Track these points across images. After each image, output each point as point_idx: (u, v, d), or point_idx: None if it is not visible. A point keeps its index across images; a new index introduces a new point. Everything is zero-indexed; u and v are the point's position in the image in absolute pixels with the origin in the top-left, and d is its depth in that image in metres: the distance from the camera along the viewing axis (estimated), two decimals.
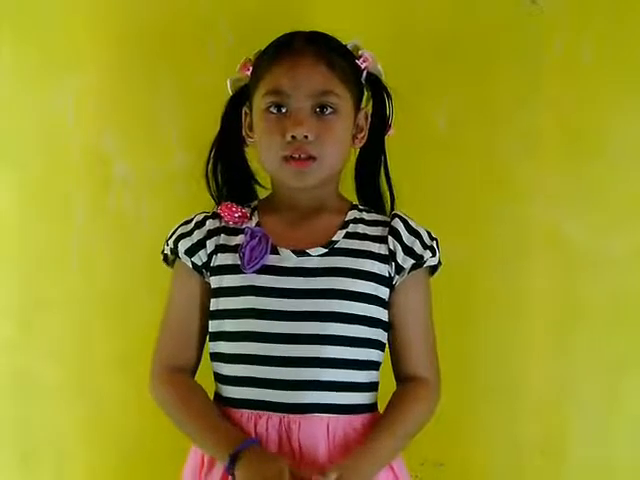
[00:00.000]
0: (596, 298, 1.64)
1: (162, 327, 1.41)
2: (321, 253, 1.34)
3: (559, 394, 1.67)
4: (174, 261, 1.42)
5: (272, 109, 1.33)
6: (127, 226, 1.72)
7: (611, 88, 1.62)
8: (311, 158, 1.32)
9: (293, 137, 1.30)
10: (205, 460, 1.34)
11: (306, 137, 1.31)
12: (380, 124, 1.43)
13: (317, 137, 1.31)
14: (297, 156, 1.32)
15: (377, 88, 1.43)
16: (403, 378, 1.38)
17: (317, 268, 1.33)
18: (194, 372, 1.40)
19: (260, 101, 1.34)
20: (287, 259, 1.34)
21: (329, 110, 1.33)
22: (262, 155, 1.36)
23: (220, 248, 1.37)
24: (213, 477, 1.32)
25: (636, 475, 1.66)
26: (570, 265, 1.65)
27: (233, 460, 1.24)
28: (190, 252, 1.38)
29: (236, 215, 1.39)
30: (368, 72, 1.41)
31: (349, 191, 1.46)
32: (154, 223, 1.71)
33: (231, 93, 1.43)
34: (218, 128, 1.43)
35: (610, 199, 1.63)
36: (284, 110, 1.32)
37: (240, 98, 1.42)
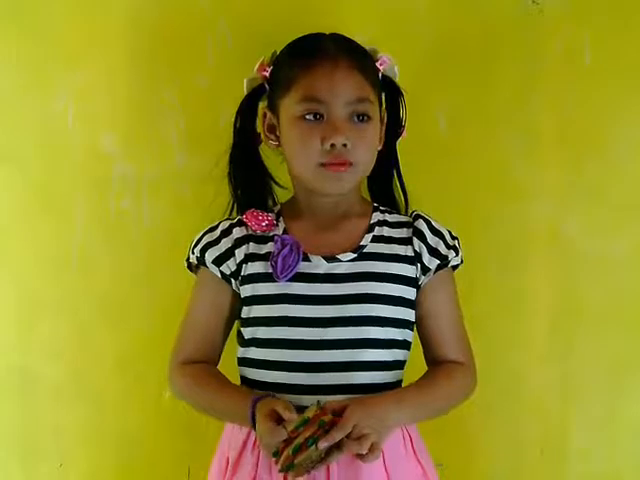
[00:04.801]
0: (596, 298, 1.64)
1: (182, 330, 1.42)
2: (351, 258, 1.35)
3: (559, 394, 1.67)
4: (198, 268, 1.42)
5: (308, 116, 1.32)
6: (127, 226, 1.72)
7: (611, 88, 1.62)
8: (348, 163, 1.32)
9: (332, 145, 1.30)
10: (229, 464, 1.34)
11: (345, 145, 1.31)
12: (393, 126, 1.44)
13: (353, 145, 1.32)
14: (334, 161, 1.32)
15: (391, 90, 1.44)
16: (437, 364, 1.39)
17: (347, 274, 1.34)
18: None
19: (293, 107, 1.33)
20: (318, 266, 1.34)
21: (365, 117, 1.33)
22: (295, 161, 1.36)
23: (250, 257, 1.37)
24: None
25: (637, 476, 1.66)
26: (570, 265, 1.65)
27: (253, 416, 1.25)
28: (218, 261, 1.38)
29: (263, 224, 1.39)
30: (383, 74, 1.41)
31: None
32: (154, 223, 1.71)
33: (246, 92, 1.43)
34: (231, 127, 1.43)
35: (610, 199, 1.64)
36: (320, 117, 1.32)
37: (254, 98, 1.42)
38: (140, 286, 1.72)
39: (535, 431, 1.67)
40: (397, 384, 1.37)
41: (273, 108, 1.39)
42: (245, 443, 1.32)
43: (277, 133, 1.39)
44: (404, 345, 1.38)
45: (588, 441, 1.66)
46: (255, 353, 1.36)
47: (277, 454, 1.19)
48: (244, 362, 1.38)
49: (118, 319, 1.72)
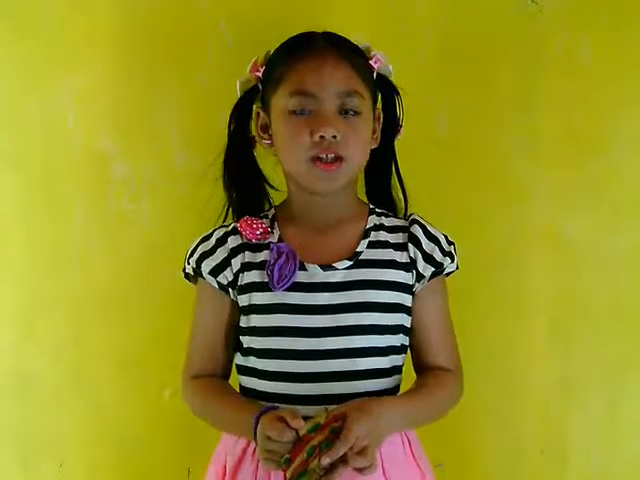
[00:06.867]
0: (597, 297, 1.64)
1: (190, 344, 1.41)
2: (347, 266, 1.34)
3: (559, 394, 1.67)
4: (195, 279, 1.41)
5: (298, 110, 1.31)
6: (127, 226, 1.72)
7: (611, 88, 1.62)
8: (338, 159, 1.31)
9: (322, 137, 1.29)
10: (227, 472, 1.33)
11: (334, 137, 1.30)
12: (390, 125, 1.43)
13: (344, 137, 1.30)
14: (324, 157, 1.30)
15: (387, 89, 1.42)
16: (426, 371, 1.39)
17: (344, 282, 1.33)
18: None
19: (283, 102, 1.32)
20: (314, 274, 1.33)
21: (354, 111, 1.32)
22: (286, 156, 1.35)
23: (246, 266, 1.36)
24: None
25: (637, 476, 1.66)
26: (571, 264, 1.65)
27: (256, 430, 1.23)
28: (215, 272, 1.37)
29: (258, 232, 1.37)
30: (378, 73, 1.40)
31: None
32: (154, 223, 1.71)
33: (239, 95, 1.42)
34: (227, 130, 1.42)
35: (610, 198, 1.64)
36: (309, 111, 1.31)
37: (248, 100, 1.41)
38: (140, 286, 1.72)
39: (535, 431, 1.67)
40: (396, 389, 1.37)
41: (265, 106, 1.38)
42: (244, 451, 1.31)
43: (270, 132, 1.38)
44: (402, 350, 1.37)
45: (588, 441, 1.67)
46: (254, 362, 1.35)
47: (288, 462, 1.17)
48: (243, 371, 1.37)
49: (118, 319, 1.72)
